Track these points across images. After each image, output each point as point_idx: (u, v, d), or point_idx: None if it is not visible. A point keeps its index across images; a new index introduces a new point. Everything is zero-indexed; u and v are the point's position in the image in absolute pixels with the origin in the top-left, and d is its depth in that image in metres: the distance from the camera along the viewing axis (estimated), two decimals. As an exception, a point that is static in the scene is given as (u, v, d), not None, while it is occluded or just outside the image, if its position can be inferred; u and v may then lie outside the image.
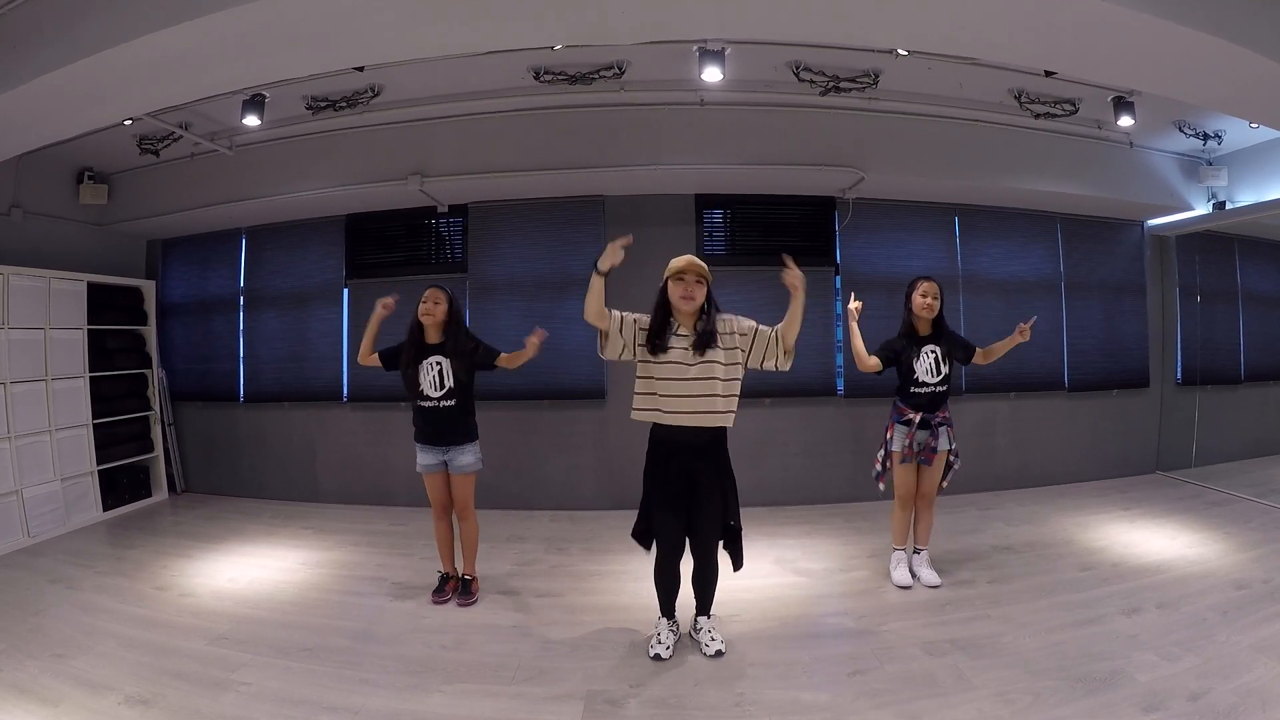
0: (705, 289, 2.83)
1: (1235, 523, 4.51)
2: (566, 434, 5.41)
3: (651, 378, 2.82)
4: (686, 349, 2.78)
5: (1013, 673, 2.65)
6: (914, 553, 3.70)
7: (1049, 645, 2.87)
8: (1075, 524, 4.60)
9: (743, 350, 2.85)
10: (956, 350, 3.56)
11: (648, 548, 2.95)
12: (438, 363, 3.37)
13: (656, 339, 2.81)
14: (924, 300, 3.51)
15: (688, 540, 2.90)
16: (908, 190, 5.43)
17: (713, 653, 2.88)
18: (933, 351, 3.50)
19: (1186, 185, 5.74)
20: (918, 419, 3.49)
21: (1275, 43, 2.92)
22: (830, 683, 2.66)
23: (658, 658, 2.84)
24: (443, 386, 3.36)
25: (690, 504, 2.84)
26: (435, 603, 3.49)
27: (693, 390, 2.77)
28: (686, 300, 2.78)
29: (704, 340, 2.78)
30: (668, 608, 2.98)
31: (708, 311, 2.84)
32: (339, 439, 5.73)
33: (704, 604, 3.00)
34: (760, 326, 2.88)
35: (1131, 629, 2.98)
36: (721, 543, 2.94)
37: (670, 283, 2.82)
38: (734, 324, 2.87)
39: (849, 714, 2.43)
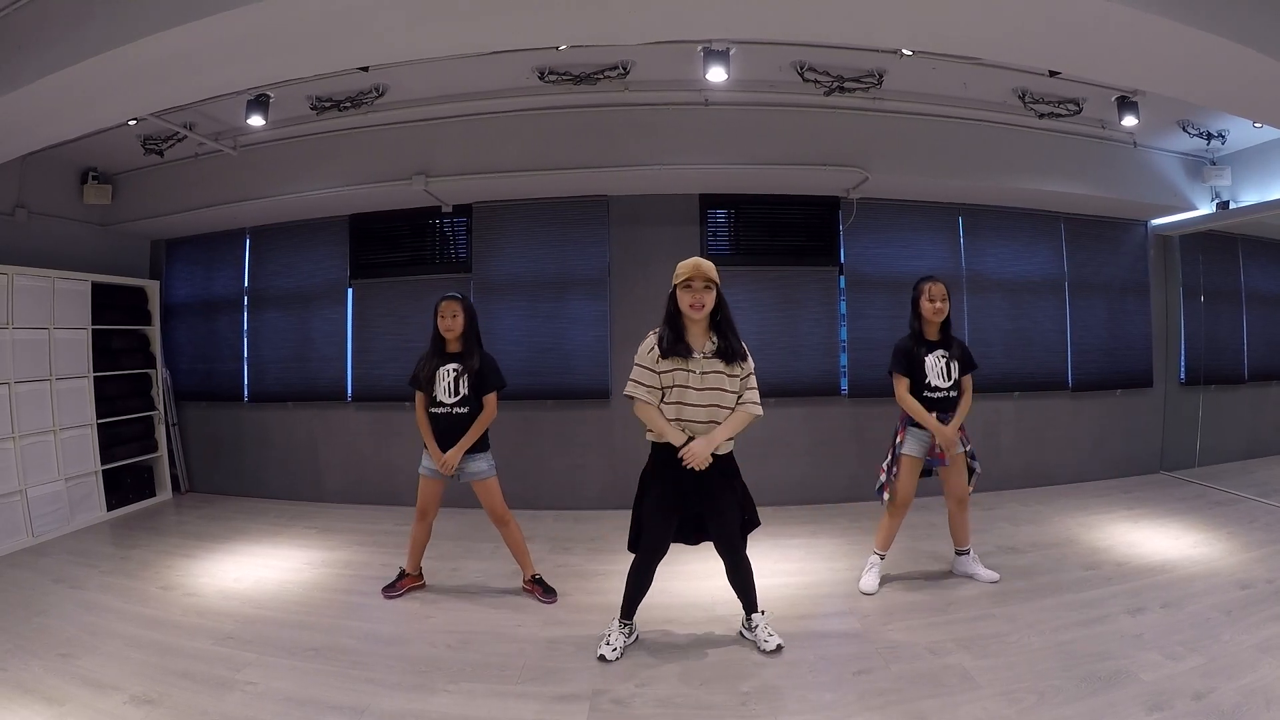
0: (715, 294, 2.74)
1: (1239, 523, 4.50)
2: (570, 434, 5.42)
3: (659, 388, 2.77)
4: (699, 359, 2.74)
5: (1017, 672, 2.65)
6: (960, 554, 3.71)
7: (1054, 644, 2.87)
8: (1079, 524, 4.60)
9: (744, 371, 2.81)
10: (964, 359, 3.52)
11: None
12: (454, 370, 3.39)
13: (674, 345, 2.74)
14: (932, 305, 3.47)
15: (714, 545, 2.91)
16: (912, 190, 5.43)
17: (772, 648, 2.86)
18: (942, 356, 3.49)
19: (1190, 185, 5.74)
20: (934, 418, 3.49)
21: (1279, 42, 2.92)
22: (835, 682, 2.66)
23: (603, 659, 2.82)
24: (457, 394, 3.38)
25: (700, 508, 2.84)
26: (386, 597, 3.53)
27: (703, 401, 2.75)
28: (696, 309, 2.70)
29: (729, 353, 2.74)
30: (629, 610, 2.96)
31: (722, 316, 2.79)
32: (343, 439, 5.73)
33: (749, 602, 2.98)
34: (752, 370, 2.83)
35: (1136, 628, 2.98)
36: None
37: (678, 290, 2.74)
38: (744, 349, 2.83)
39: (854, 713, 2.43)
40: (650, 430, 2.82)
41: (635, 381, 2.80)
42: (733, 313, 2.84)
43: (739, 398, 2.79)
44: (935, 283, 3.50)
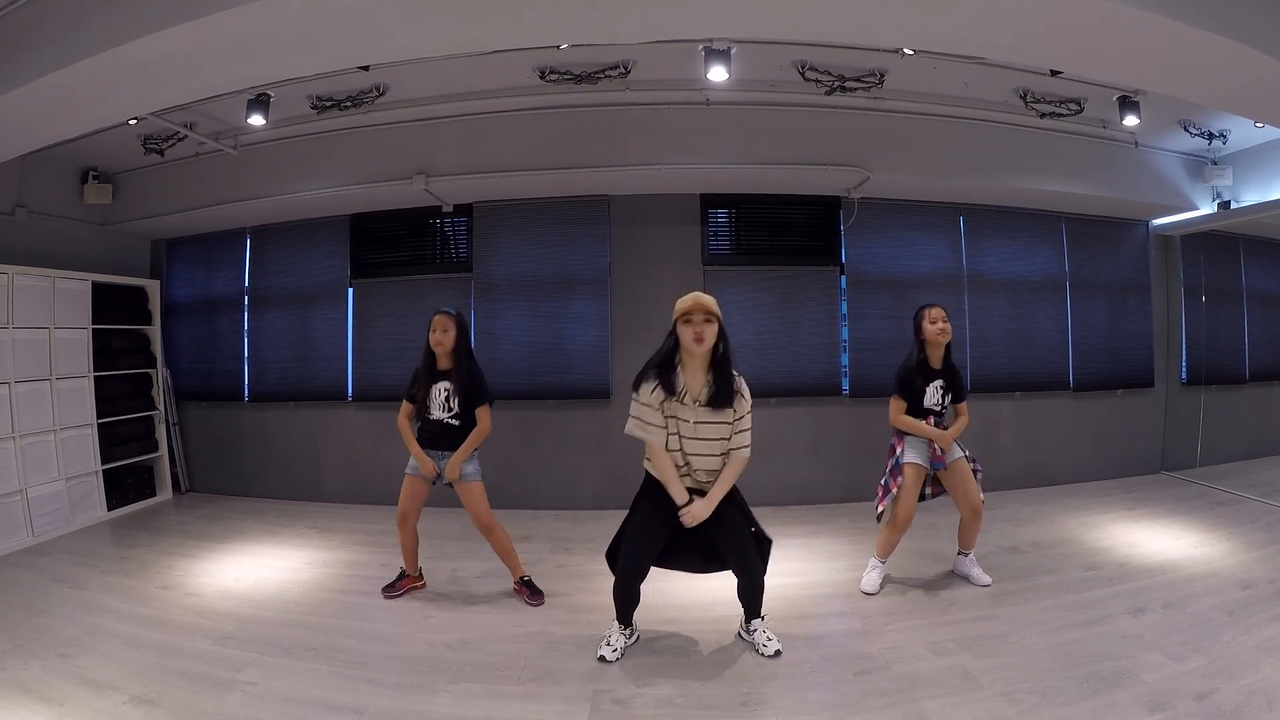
0: (716, 327, 2.69)
1: (1240, 523, 4.49)
2: (570, 434, 5.41)
3: (663, 426, 2.75)
4: (694, 405, 2.71)
5: (1019, 672, 2.65)
6: (960, 555, 3.70)
7: (1055, 645, 2.86)
8: (1080, 524, 4.59)
9: (736, 414, 2.75)
10: (958, 389, 3.55)
11: (615, 570, 2.91)
12: (446, 389, 3.41)
13: (668, 384, 2.71)
14: (934, 327, 3.47)
15: (730, 567, 2.88)
16: (913, 190, 5.43)
17: (771, 653, 2.85)
18: (940, 388, 3.50)
19: (1191, 185, 5.74)
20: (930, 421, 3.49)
21: (1279, 42, 2.92)
22: (836, 682, 2.66)
23: (603, 659, 2.83)
24: (450, 409, 3.41)
25: (700, 534, 2.81)
26: (386, 597, 3.55)
27: (700, 450, 2.74)
28: (698, 342, 2.65)
29: (721, 399, 2.70)
30: (625, 617, 2.94)
31: (723, 351, 2.73)
32: (344, 438, 5.73)
33: (753, 609, 2.96)
34: (749, 409, 2.78)
35: (1137, 629, 2.98)
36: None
37: (678, 326, 2.70)
38: (741, 385, 2.76)
39: (855, 714, 2.43)
40: (649, 459, 2.82)
41: (640, 420, 2.76)
42: (733, 313, 2.81)
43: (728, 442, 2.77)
44: (934, 307, 3.53)
